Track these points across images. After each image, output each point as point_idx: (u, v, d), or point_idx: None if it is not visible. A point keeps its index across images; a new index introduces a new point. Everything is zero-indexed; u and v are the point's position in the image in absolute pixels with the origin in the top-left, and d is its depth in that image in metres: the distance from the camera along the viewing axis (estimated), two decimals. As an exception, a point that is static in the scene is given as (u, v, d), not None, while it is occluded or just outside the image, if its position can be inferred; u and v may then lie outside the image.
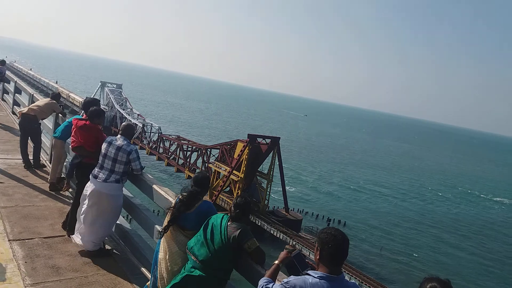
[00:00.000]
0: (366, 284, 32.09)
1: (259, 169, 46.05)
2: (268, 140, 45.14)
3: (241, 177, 43.15)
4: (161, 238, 3.68)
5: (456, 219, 58.83)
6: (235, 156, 44.57)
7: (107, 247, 5.24)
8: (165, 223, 3.68)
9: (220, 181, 45.61)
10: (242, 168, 43.27)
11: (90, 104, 5.81)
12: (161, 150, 57.29)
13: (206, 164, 49.79)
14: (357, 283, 32.07)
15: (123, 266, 4.92)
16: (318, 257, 2.60)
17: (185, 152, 53.12)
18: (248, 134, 44.92)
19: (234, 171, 43.60)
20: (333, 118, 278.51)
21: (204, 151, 50.69)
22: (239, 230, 3.24)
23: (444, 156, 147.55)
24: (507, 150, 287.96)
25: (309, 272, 2.57)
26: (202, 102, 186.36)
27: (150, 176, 5.06)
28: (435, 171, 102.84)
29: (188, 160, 52.34)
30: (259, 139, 45.10)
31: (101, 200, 4.83)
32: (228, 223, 3.32)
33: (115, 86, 75.42)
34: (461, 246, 47.81)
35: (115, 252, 5.24)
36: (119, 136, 4.99)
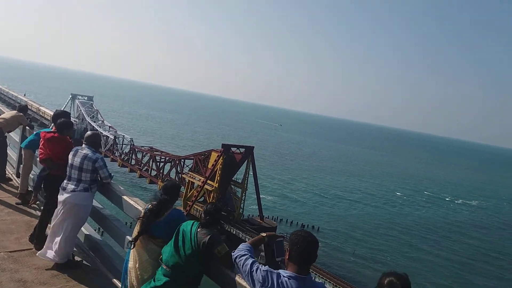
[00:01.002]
0: (339, 287, 32.32)
1: (233, 178, 46.05)
2: (242, 150, 45.25)
3: (215, 186, 42.98)
4: (131, 248, 3.70)
5: (425, 222, 60.56)
6: (209, 166, 44.39)
7: (77, 258, 5.17)
8: (135, 232, 3.70)
9: (194, 191, 45.25)
10: (216, 177, 43.14)
11: (59, 116, 5.77)
12: (133, 162, 56.35)
13: (180, 174, 49.31)
14: (331, 287, 32.52)
15: (93, 277, 4.88)
16: (287, 257, 2.73)
17: (158, 163, 52.48)
18: (222, 144, 44.90)
19: (208, 181, 43.40)
20: (307, 127, 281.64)
21: (177, 162, 50.26)
22: (209, 236, 3.30)
23: (411, 161, 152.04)
24: (469, 155, 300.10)
25: (280, 271, 2.70)
26: (173, 113, 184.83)
27: (120, 187, 5.05)
28: (403, 176, 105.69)
29: (161, 171, 51.72)
30: (233, 149, 45.15)
31: (71, 211, 4.80)
32: (198, 230, 3.37)
33: (86, 98, 73.98)
34: (431, 249, 49.14)
35: (85, 263, 5.18)
36: (84, 145, 4.98)
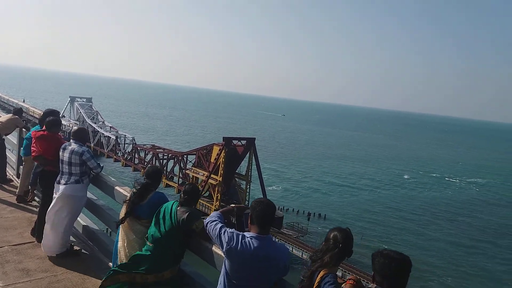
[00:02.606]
0: (349, 274, 32.74)
1: (237, 171, 46.38)
2: (243, 142, 45.52)
3: (219, 180, 43.32)
4: (119, 228, 4.03)
5: (433, 204, 60.26)
6: (212, 160, 44.72)
7: (76, 248, 5.50)
8: (122, 214, 4.06)
9: (199, 186, 45.63)
10: (220, 171, 43.46)
11: (48, 115, 6.08)
12: (136, 161, 56.75)
13: (184, 170, 49.70)
14: (340, 274, 32.98)
15: (91, 263, 5.22)
16: (249, 221, 3.08)
17: (161, 160, 52.86)
18: (223, 137, 45.12)
19: (212, 175, 43.75)
20: (310, 116, 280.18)
21: (180, 158, 50.60)
22: (188, 213, 3.62)
23: (413, 143, 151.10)
24: (472, 133, 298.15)
25: (245, 233, 3.06)
26: (173, 109, 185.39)
27: (112, 178, 5.38)
28: (407, 158, 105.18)
29: (165, 168, 52.09)
30: (235, 141, 45.41)
31: (65, 203, 5.13)
32: (178, 208, 3.70)
33: (84, 100, 74.18)
34: (440, 230, 48.88)
35: (84, 252, 5.52)
36: (71, 141, 5.31)
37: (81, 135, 5.41)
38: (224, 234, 3.04)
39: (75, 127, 5.42)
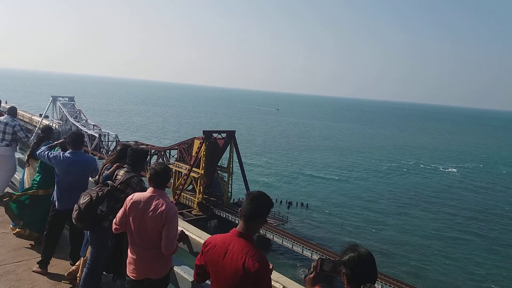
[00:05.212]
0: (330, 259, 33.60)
1: (219, 164, 47.20)
2: (223, 135, 46.34)
3: (201, 173, 44.16)
4: (25, 167, 5.79)
5: (417, 190, 61.53)
6: (193, 153, 45.53)
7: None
8: (26, 157, 5.79)
9: (182, 179, 46.40)
10: (201, 164, 44.30)
11: None
12: (120, 158, 57.23)
13: (167, 166, 50.35)
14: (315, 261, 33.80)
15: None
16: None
17: (144, 156, 53.47)
18: (203, 131, 46.00)
19: (194, 169, 44.57)
20: (303, 109, 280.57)
21: (163, 153, 51.37)
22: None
23: (395, 131, 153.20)
24: (450, 119, 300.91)
25: (65, 153, 4.76)
26: (162, 106, 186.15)
27: (29, 141, 7.04)
28: (389, 147, 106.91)
29: (148, 163, 52.77)
30: (215, 135, 46.22)
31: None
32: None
33: (67, 99, 74.49)
34: (421, 215, 49.88)
35: None
36: (6, 115, 7.02)
37: (14, 111, 7.13)
38: (52, 155, 4.71)
39: (8, 106, 7.17)
